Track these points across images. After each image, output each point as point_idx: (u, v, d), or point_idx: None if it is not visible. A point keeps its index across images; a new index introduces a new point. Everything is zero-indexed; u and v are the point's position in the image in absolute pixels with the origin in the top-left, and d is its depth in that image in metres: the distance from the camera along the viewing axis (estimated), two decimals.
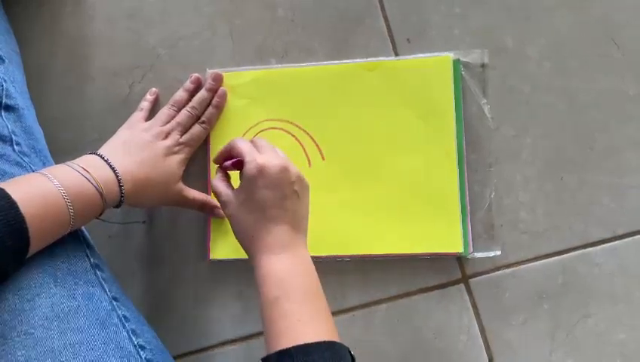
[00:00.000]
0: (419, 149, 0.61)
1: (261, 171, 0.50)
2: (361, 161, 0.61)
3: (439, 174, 0.60)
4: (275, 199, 0.50)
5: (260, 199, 0.50)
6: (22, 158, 0.54)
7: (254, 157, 0.51)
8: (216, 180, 0.55)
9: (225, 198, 0.53)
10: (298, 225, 0.52)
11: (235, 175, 0.55)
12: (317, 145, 0.62)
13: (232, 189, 0.53)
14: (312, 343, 0.45)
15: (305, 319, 0.47)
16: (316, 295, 0.50)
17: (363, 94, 0.62)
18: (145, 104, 0.64)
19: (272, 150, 0.53)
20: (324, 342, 0.45)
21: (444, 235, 0.59)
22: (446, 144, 0.60)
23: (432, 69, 0.61)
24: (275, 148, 0.54)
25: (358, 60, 0.63)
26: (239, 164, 0.52)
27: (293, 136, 0.63)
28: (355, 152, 0.62)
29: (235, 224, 0.52)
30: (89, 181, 0.50)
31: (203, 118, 0.62)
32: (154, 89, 0.65)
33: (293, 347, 0.44)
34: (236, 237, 0.53)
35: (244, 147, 0.52)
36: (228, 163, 0.54)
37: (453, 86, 0.61)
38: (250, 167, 0.50)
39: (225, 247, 0.63)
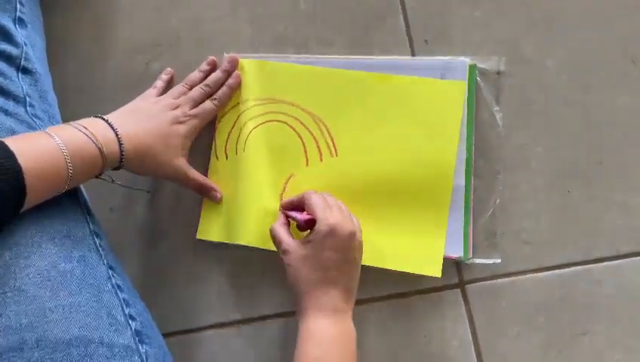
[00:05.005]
0: (417, 167, 0.60)
1: (332, 232, 0.51)
2: (360, 168, 0.61)
3: (432, 196, 0.59)
4: (337, 262, 0.52)
5: (325, 259, 0.52)
6: (33, 120, 0.54)
7: (327, 216, 0.52)
8: (278, 225, 0.56)
9: (287, 247, 0.54)
10: (351, 292, 0.54)
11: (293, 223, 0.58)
12: (318, 146, 0.62)
13: (294, 238, 0.54)
14: None
15: None
16: None
17: (372, 104, 0.62)
18: (159, 83, 0.65)
19: (340, 210, 0.54)
20: None
21: (425, 258, 0.58)
22: (444, 167, 0.59)
23: (445, 93, 0.60)
24: (342, 207, 0.55)
25: (374, 58, 0.63)
26: (312, 223, 0.54)
27: (297, 133, 0.63)
28: (356, 159, 0.61)
29: (293, 274, 0.53)
30: (88, 137, 0.50)
31: (215, 96, 0.63)
32: (169, 69, 0.66)
33: None
34: (289, 284, 0.54)
35: (318, 203, 0.54)
36: (300, 218, 0.55)
37: (463, 111, 0.60)
38: (322, 224, 0.52)
39: (213, 230, 0.63)
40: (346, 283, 0.53)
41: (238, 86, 0.64)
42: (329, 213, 0.53)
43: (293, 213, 0.57)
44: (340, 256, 0.52)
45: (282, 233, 0.55)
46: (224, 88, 0.63)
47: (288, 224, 0.57)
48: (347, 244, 0.53)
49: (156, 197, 0.66)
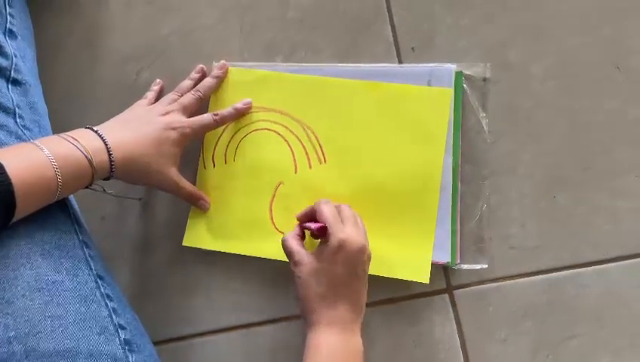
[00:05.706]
0: (405, 173, 0.60)
1: (342, 246, 0.51)
2: (348, 175, 0.61)
3: (420, 202, 0.60)
4: (347, 276, 0.52)
5: (334, 273, 0.52)
6: (23, 132, 0.55)
7: (338, 229, 0.52)
8: (290, 236, 0.55)
9: (298, 258, 0.53)
10: (360, 307, 0.54)
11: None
12: (306, 154, 0.63)
13: (306, 250, 0.54)
14: None
15: None
16: None
17: (359, 112, 0.62)
18: (150, 93, 0.65)
19: (354, 223, 0.54)
20: None
21: (413, 264, 0.59)
22: (432, 174, 0.60)
23: (431, 99, 0.60)
24: (357, 220, 0.55)
25: (362, 65, 0.63)
26: (324, 231, 0.53)
27: (286, 141, 0.63)
28: (344, 166, 0.62)
29: (302, 287, 0.53)
30: (77, 148, 0.50)
31: (199, 89, 0.63)
32: (158, 80, 0.67)
33: None
34: (297, 298, 0.53)
35: (330, 215, 0.53)
36: (313, 227, 0.54)
37: (450, 117, 0.60)
38: (333, 238, 0.52)
39: (199, 237, 0.64)
40: (354, 299, 0.53)
41: (224, 76, 0.65)
42: (340, 227, 0.53)
43: (307, 224, 0.56)
44: (350, 270, 0.52)
45: (294, 244, 0.54)
46: (209, 79, 0.64)
47: (303, 237, 0.57)
48: (357, 259, 0.52)
49: (147, 205, 0.67)
